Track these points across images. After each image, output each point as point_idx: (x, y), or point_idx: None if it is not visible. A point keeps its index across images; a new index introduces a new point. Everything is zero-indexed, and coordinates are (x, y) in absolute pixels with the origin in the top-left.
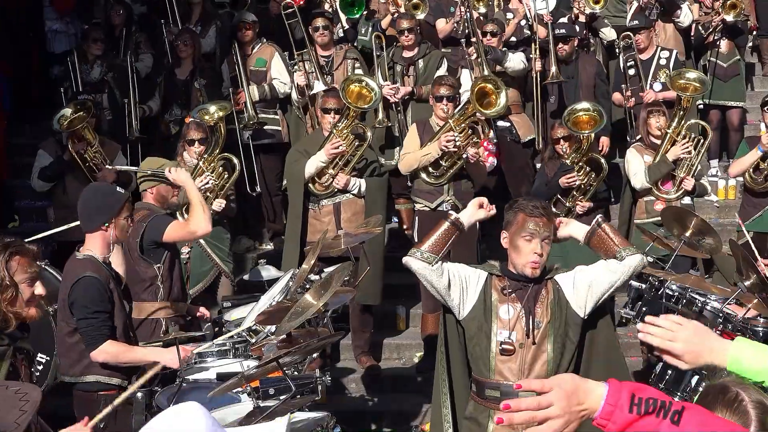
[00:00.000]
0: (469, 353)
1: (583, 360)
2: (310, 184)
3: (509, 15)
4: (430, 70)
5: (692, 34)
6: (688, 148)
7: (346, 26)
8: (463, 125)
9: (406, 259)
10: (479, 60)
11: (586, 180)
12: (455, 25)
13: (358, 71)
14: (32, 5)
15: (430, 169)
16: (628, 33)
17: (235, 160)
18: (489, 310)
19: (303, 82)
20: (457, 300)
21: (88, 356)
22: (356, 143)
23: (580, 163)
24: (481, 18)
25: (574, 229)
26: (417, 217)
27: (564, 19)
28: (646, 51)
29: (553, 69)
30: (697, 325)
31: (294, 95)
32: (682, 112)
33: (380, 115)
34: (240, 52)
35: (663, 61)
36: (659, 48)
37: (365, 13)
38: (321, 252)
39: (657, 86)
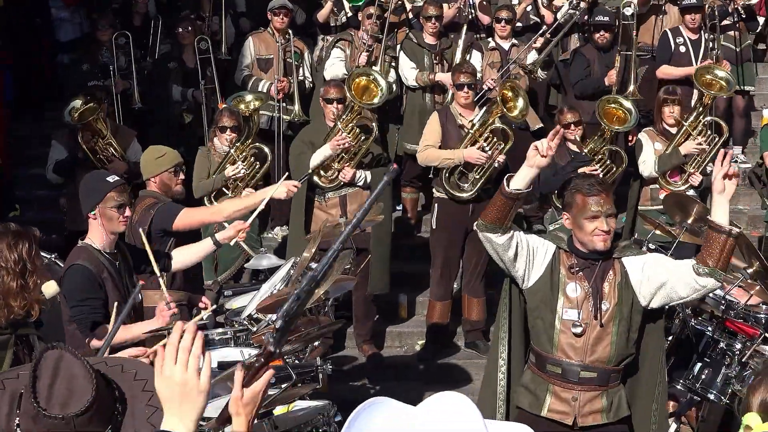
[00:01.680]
0: (530, 324)
1: (640, 351)
2: (316, 177)
3: (515, 0)
4: (462, 59)
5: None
6: (701, 146)
7: (350, 13)
8: (486, 134)
9: (475, 229)
10: (539, 51)
11: (607, 172)
12: (460, 8)
13: (393, 71)
14: None
15: (460, 183)
16: (699, 6)
17: (266, 150)
18: (556, 285)
19: (345, 69)
20: (522, 271)
21: (86, 344)
22: (362, 137)
23: (600, 155)
24: (485, 3)
25: (725, 206)
26: (436, 204)
27: (566, 6)
28: (694, 32)
29: (631, 87)
30: None
31: (342, 71)
32: (701, 108)
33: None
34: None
35: (710, 44)
36: (704, 31)
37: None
38: (322, 241)
39: (726, 64)
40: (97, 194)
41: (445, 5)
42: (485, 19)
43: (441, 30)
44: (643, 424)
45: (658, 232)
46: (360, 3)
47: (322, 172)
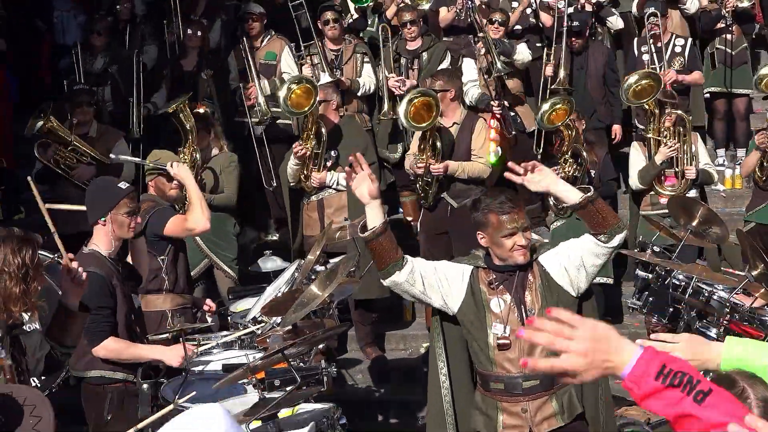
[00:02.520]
0: (469, 348)
1: None
2: (302, 185)
3: (514, 4)
4: (434, 62)
5: (700, 21)
6: (672, 147)
7: (355, 15)
8: (422, 144)
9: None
10: (486, 53)
11: (570, 171)
12: (457, 12)
13: (367, 65)
14: None
15: (419, 190)
16: (654, 13)
17: (198, 155)
18: (480, 304)
19: (309, 74)
20: (439, 301)
21: (90, 353)
22: (313, 142)
23: (566, 156)
24: (484, 6)
25: (563, 189)
26: (423, 211)
27: (570, 9)
28: (663, 36)
29: (561, 74)
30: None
31: None
32: (653, 117)
33: (385, 107)
34: (248, 44)
35: (678, 49)
36: (674, 35)
37: (372, 3)
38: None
39: (672, 72)
40: (110, 201)
41: (443, 8)
42: (483, 23)
43: (421, 33)
44: (592, 407)
45: (662, 234)
46: (365, 4)
47: (304, 180)
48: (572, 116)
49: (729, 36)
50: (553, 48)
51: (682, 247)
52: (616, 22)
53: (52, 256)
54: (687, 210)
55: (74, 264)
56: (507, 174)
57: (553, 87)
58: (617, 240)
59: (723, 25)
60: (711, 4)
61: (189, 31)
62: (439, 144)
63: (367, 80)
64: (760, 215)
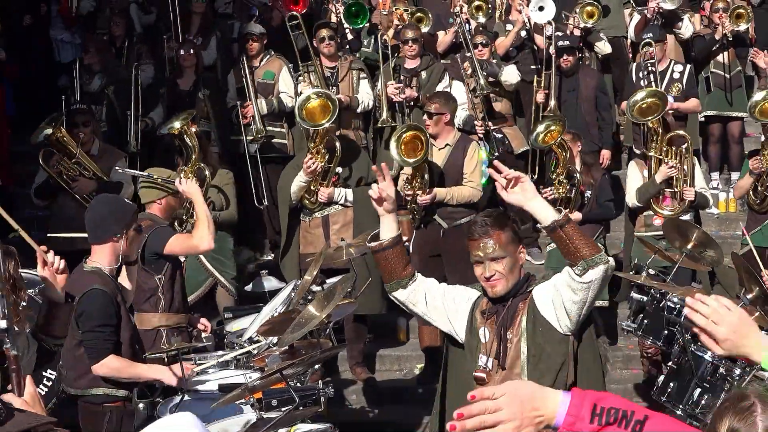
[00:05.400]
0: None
1: (577, 380)
2: (304, 200)
3: (509, 26)
4: (432, 82)
5: (692, 46)
6: (673, 166)
7: (350, 36)
8: (412, 174)
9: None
10: (472, 73)
11: (564, 192)
12: (456, 32)
13: (364, 81)
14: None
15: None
16: (649, 42)
17: (207, 171)
18: (474, 332)
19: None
20: (446, 325)
21: (90, 371)
22: (327, 156)
23: (560, 177)
24: (481, 28)
25: (537, 206)
26: (415, 233)
27: (566, 31)
28: (659, 63)
29: (552, 103)
30: (743, 314)
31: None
32: (655, 135)
33: (384, 114)
34: (247, 63)
35: (677, 75)
36: (673, 62)
37: (368, 25)
38: (322, 264)
39: (670, 99)
40: (125, 217)
41: (442, 31)
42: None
43: (420, 52)
44: None
45: (657, 256)
46: (360, 25)
47: (307, 196)
48: (566, 137)
49: (724, 60)
50: (543, 74)
51: (678, 270)
52: (603, 47)
53: (36, 273)
54: (682, 233)
55: (50, 254)
56: (490, 170)
57: (544, 114)
58: (591, 275)
59: (717, 48)
60: (704, 29)
61: (182, 51)
62: (427, 176)
63: (365, 97)
64: (755, 238)
